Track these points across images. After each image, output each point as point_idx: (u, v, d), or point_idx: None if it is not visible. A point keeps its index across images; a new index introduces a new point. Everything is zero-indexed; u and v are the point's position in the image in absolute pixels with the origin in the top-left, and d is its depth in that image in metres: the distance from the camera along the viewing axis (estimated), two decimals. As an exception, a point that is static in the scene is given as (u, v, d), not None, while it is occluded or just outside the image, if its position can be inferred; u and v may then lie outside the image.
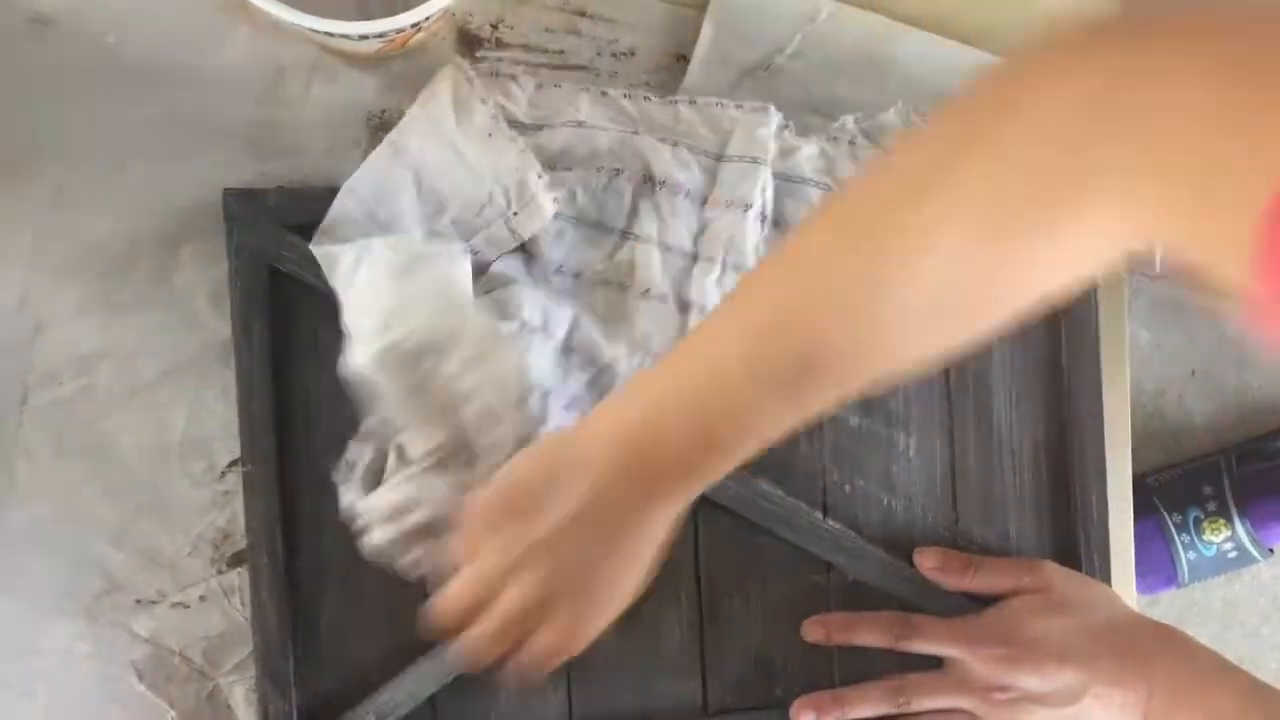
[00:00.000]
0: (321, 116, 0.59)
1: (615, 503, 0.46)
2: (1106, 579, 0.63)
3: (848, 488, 0.62)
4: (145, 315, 0.58)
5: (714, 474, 0.46)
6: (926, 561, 0.62)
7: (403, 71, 0.60)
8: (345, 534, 0.58)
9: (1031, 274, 0.39)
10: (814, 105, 0.62)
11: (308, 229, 0.57)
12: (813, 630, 0.62)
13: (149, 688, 0.58)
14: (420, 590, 0.59)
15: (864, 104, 0.62)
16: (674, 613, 0.61)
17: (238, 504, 0.58)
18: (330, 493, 0.58)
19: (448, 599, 0.50)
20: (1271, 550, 1.09)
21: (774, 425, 0.45)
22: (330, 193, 0.57)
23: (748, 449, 0.45)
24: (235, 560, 0.59)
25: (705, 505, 0.60)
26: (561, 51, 0.62)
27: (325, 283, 0.55)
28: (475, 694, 0.59)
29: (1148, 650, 0.59)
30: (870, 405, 0.62)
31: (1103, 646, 0.59)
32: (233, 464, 0.59)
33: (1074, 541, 0.63)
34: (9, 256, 0.57)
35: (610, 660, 0.60)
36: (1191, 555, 1.08)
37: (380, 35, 0.51)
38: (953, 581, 0.62)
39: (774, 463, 0.61)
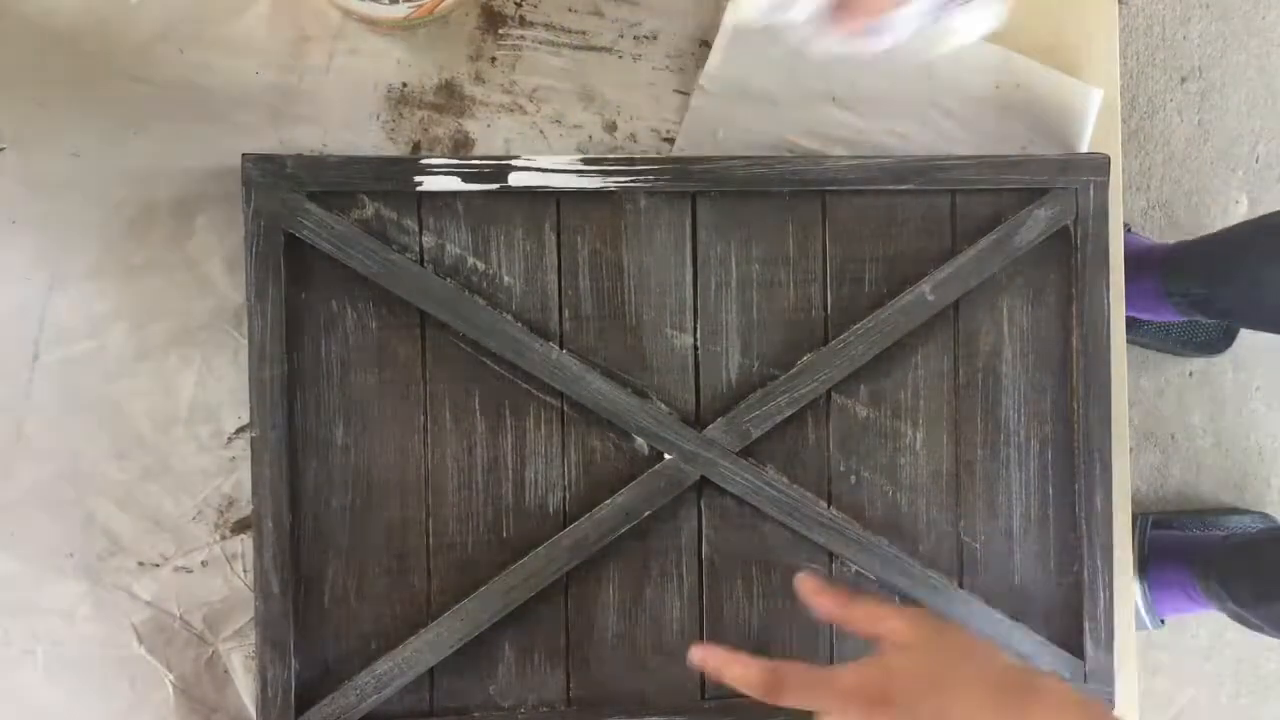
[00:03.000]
0: (342, 87, 0.60)
1: None
2: (1109, 580, 0.63)
3: (853, 478, 0.62)
4: (159, 279, 0.58)
5: None
6: (806, 585, 0.55)
7: (424, 45, 0.60)
8: (349, 504, 0.58)
9: None
10: (834, 95, 0.63)
11: (325, 197, 0.57)
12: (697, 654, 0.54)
13: (148, 651, 0.58)
14: (421, 564, 0.59)
15: (883, 96, 0.63)
16: (675, 596, 0.61)
17: (243, 470, 0.58)
18: (335, 462, 0.58)
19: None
20: (1163, 621, 1.15)
21: None
22: (348, 162, 0.57)
23: None
24: (239, 526, 0.59)
25: (710, 489, 0.61)
26: (584, 33, 0.62)
27: (341, 251, 0.55)
28: (473, 668, 0.59)
29: (1027, 706, 0.51)
30: (879, 397, 0.62)
31: (982, 700, 0.51)
32: (240, 430, 0.59)
33: (1078, 541, 0.64)
34: (27, 216, 0.57)
35: (609, 641, 0.61)
36: None
37: None
38: (827, 608, 0.55)
39: (781, 451, 0.61)
